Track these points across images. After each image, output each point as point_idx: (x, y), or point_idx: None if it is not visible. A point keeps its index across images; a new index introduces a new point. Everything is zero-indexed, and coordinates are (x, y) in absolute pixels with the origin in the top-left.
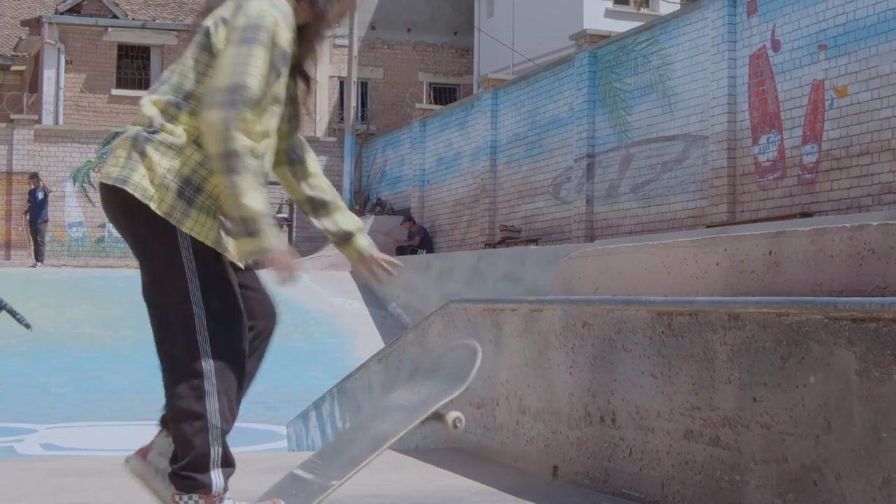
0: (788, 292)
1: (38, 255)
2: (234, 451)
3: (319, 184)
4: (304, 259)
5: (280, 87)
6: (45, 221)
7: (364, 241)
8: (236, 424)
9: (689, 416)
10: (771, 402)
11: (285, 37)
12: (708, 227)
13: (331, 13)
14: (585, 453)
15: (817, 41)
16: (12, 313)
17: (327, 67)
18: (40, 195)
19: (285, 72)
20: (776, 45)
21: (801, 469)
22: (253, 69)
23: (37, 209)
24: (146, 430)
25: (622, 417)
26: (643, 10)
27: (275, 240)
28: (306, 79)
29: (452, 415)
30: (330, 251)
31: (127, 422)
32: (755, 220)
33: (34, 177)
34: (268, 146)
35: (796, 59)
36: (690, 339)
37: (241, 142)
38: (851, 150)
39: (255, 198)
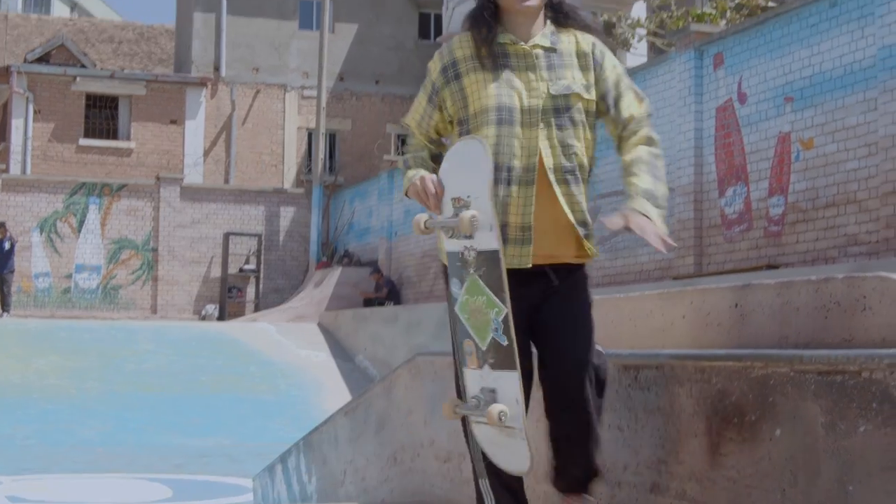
0: (755, 345)
1: (5, 306)
2: None
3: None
4: (270, 311)
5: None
6: (12, 272)
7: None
8: (202, 477)
9: (655, 470)
10: (737, 455)
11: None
12: (674, 279)
13: None
14: None
15: (783, 93)
16: None
17: (295, 119)
18: (7, 245)
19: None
20: (742, 98)
21: None
22: None
23: (3, 259)
24: (112, 482)
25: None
26: None
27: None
28: None
29: (497, 408)
30: (296, 303)
31: (93, 473)
32: (722, 273)
33: (1, 226)
34: None
35: (762, 111)
36: (657, 392)
37: None
38: (818, 202)
39: None
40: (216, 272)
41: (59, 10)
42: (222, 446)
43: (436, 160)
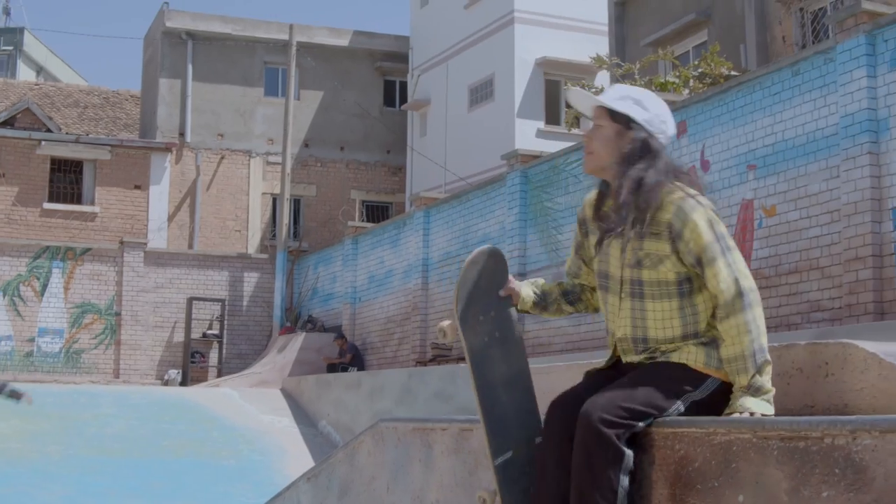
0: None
1: None
2: None
3: None
4: (233, 376)
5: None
6: None
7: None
8: None
9: None
10: None
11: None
12: None
13: None
14: None
15: (746, 161)
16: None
17: (260, 184)
18: None
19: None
20: (706, 165)
21: None
22: None
23: None
24: None
25: None
26: (574, 131)
27: None
28: None
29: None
30: (259, 368)
31: None
32: None
33: None
34: None
35: (725, 178)
36: None
37: None
38: (780, 268)
39: None
40: (179, 337)
41: (25, 74)
42: None
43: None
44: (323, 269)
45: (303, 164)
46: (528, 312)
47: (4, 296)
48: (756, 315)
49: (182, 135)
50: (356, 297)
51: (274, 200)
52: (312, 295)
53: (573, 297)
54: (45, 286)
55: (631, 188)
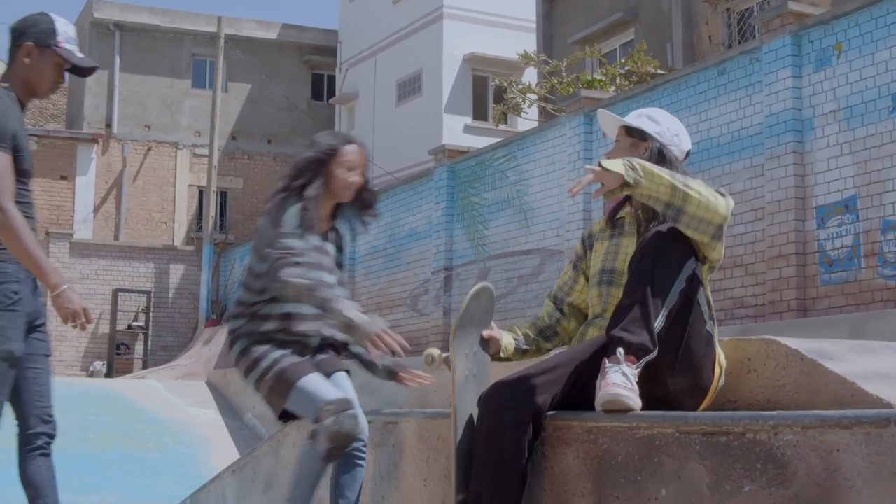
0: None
1: None
2: None
3: None
4: (158, 368)
5: None
6: None
7: None
8: None
9: None
10: None
11: None
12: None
13: None
14: None
15: None
16: None
17: (187, 176)
18: None
19: None
20: None
21: None
22: None
23: None
24: None
25: None
26: (501, 127)
27: None
28: None
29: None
30: (185, 361)
31: None
32: None
33: None
34: None
35: None
36: (544, 451)
37: None
38: None
39: None
40: (104, 328)
41: None
42: (106, 503)
43: None
44: None
45: (230, 156)
46: (501, 360)
47: None
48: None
49: (109, 126)
50: None
51: (201, 193)
52: (238, 288)
53: (549, 332)
54: None
55: None
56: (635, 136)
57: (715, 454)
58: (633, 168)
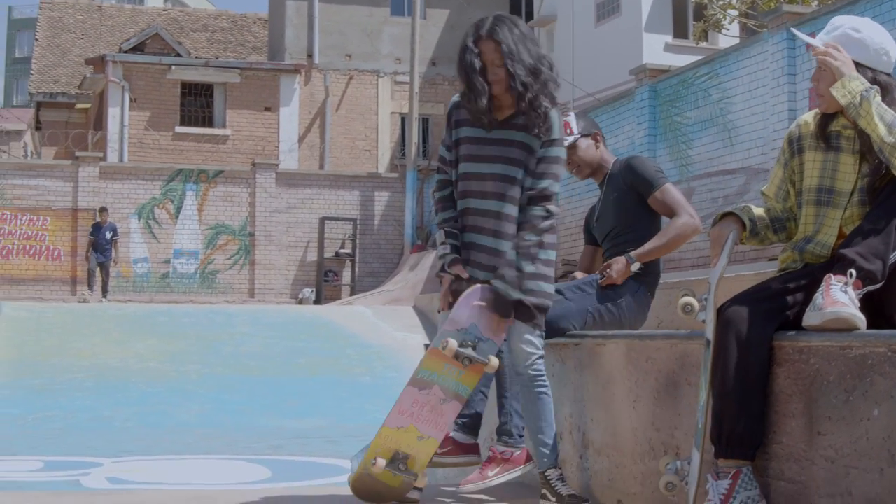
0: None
1: (104, 292)
2: (299, 485)
3: None
4: (366, 294)
5: None
6: (111, 259)
7: None
8: (300, 458)
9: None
10: (835, 435)
11: None
12: (770, 260)
13: None
14: (650, 487)
15: None
16: None
17: (389, 104)
18: (108, 234)
19: None
20: None
21: (866, 502)
22: None
23: (104, 246)
24: (211, 463)
25: (686, 452)
26: (702, 45)
27: None
28: None
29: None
30: (392, 286)
31: (191, 455)
32: None
33: (102, 211)
34: None
35: None
36: None
37: None
38: None
39: None
40: (312, 256)
41: (153, 1)
42: (320, 428)
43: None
44: None
45: (430, 82)
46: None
47: (140, 219)
48: None
49: (310, 56)
50: None
51: (403, 120)
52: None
53: (778, 225)
54: (179, 209)
55: None
56: None
57: None
58: (857, 105)
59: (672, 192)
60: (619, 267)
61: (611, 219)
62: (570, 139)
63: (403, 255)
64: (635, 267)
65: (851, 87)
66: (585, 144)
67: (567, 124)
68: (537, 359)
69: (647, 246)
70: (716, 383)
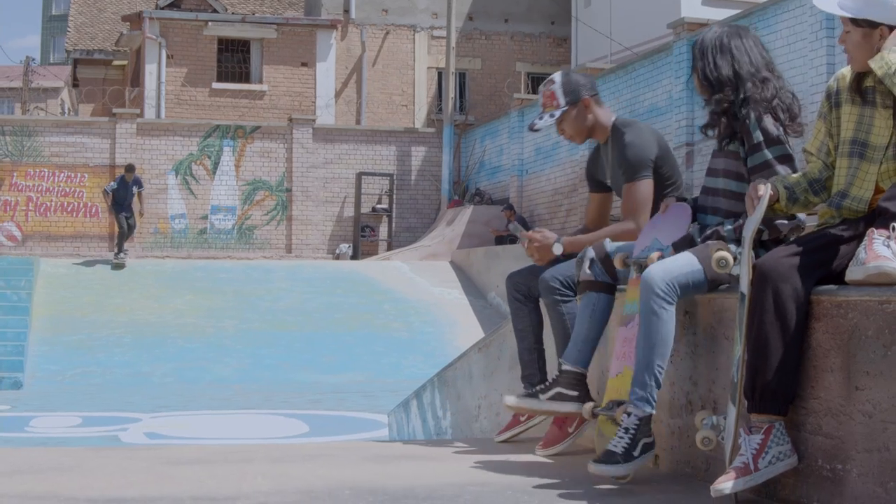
0: None
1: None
2: (337, 439)
3: None
4: (402, 249)
5: None
6: (132, 214)
7: None
8: (338, 413)
9: (791, 405)
10: (873, 390)
11: None
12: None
13: None
14: (687, 442)
15: None
16: None
17: (426, 59)
18: (134, 190)
19: None
20: None
21: None
22: None
23: (124, 201)
24: (249, 418)
25: (724, 406)
26: None
27: None
28: None
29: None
30: (428, 242)
31: (229, 410)
32: None
33: (130, 170)
34: None
35: None
36: None
37: None
38: None
39: None
40: (349, 212)
41: None
42: (357, 383)
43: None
44: (489, 142)
45: (467, 37)
46: (774, 213)
47: (177, 175)
48: None
49: (347, 11)
50: (523, 170)
51: (439, 75)
52: (479, 168)
53: (818, 186)
54: (216, 164)
55: None
56: (864, 27)
57: None
58: (892, 75)
59: (639, 192)
60: (544, 245)
61: (620, 182)
62: (558, 113)
63: (440, 210)
64: (557, 250)
65: (890, 59)
66: (574, 113)
67: (553, 95)
68: None
69: (582, 237)
70: (750, 338)
